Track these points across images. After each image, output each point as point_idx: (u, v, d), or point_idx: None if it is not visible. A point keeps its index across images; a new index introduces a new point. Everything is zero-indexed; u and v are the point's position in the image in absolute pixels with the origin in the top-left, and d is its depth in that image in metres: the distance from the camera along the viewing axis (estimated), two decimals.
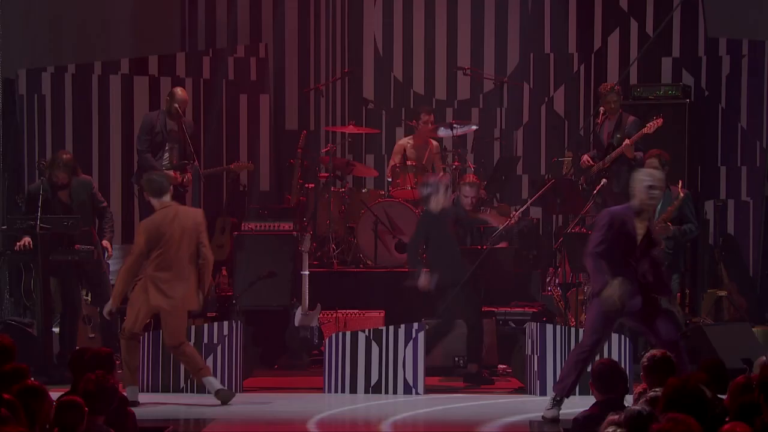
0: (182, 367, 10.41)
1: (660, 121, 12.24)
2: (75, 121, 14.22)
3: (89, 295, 12.03)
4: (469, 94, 14.93)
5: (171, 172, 12.50)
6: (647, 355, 7.09)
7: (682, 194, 11.01)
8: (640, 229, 8.97)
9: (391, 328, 10.63)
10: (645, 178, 9.08)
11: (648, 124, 12.27)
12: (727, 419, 5.91)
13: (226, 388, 10.00)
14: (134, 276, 9.94)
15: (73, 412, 5.93)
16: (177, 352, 9.99)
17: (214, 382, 9.92)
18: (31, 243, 11.18)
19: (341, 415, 9.77)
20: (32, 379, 6.38)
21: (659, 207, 10.71)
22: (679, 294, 11.73)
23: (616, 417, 5.79)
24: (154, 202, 10.01)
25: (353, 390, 10.54)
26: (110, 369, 7.07)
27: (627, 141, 12.24)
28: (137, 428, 7.20)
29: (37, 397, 5.75)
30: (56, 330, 11.51)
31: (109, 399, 6.39)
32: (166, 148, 12.76)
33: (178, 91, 12.90)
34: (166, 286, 9.80)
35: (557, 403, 9.12)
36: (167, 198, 9.99)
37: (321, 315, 12.11)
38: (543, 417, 9.16)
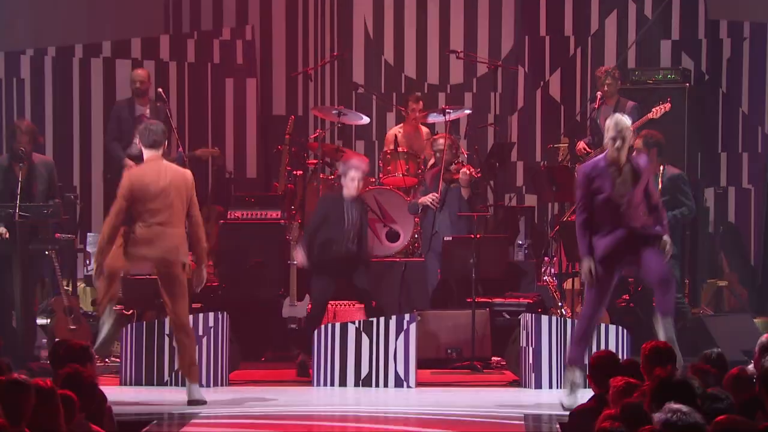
0: (166, 359, 10.29)
1: (668, 105, 12.16)
2: (55, 106, 14.11)
3: (69, 285, 11.95)
4: (462, 79, 14.86)
5: (127, 161, 12.41)
6: (648, 345, 6.95)
7: (660, 173, 10.99)
8: (616, 175, 8.97)
9: (382, 319, 10.52)
10: (608, 124, 9.14)
11: (654, 108, 12.18)
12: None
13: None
14: (116, 230, 9.31)
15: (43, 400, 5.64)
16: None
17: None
18: (6, 233, 10.93)
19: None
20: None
21: None
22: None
23: (613, 410, 5.83)
24: (145, 153, 9.49)
25: (343, 383, 10.44)
26: (86, 362, 6.86)
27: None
28: (114, 424, 6.96)
29: (22, 391, 5.50)
30: (41, 321, 11.47)
31: (88, 395, 6.17)
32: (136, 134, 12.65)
33: (133, 72, 12.82)
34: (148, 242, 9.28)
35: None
36: (158, 152, 9.44)
37: (309, 306, 11.85)
38: (561, 405, 9.13)
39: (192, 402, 9.34)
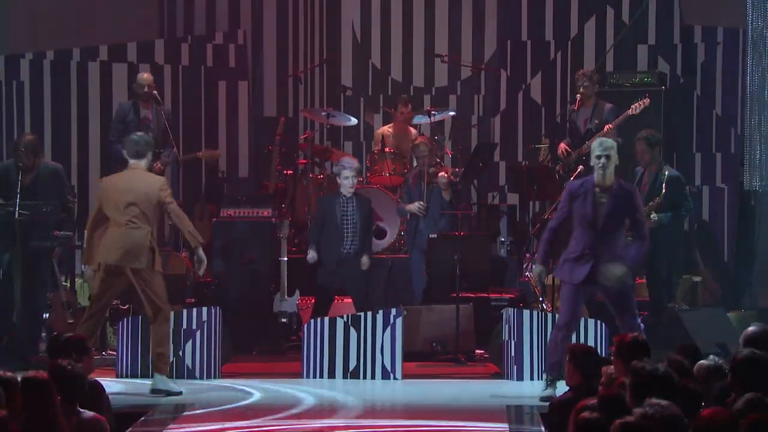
0: None
1: (647, 101, 12.26)
2: (54, 108, 14.17)
3: (68, 281, 12.07)
4: (446, 81, 14.88)
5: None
6: (620, 337, 7.07)
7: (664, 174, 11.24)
8: (603, 199, 9.08)
9: (369, 313, 10.66)
10: (594, 146, 9.25)
11: (633, 105, 12.27)
12: (702, 404, 5.97)
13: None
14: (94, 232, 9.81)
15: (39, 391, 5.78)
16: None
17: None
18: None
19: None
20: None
21: (646, 193, 10.96)
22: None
23: (592, 401, 5.84)
24: (131, 162, 9.94)
25: (331, 375, 10.56)
26: (82, 354, 7.08)
27: (608, 125, 12.24)
28: (111, 412, 7.16)
29: (8, 388, 5.66)
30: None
31: (77, 385, 6.22)
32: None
33: (139, 75, 12.81)
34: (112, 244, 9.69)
35: (551, 383, 9.30)
36: (141, 162, 9.90)
37: (299, 301, 12.12)
38: (540, 398, 9.29)
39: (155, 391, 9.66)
